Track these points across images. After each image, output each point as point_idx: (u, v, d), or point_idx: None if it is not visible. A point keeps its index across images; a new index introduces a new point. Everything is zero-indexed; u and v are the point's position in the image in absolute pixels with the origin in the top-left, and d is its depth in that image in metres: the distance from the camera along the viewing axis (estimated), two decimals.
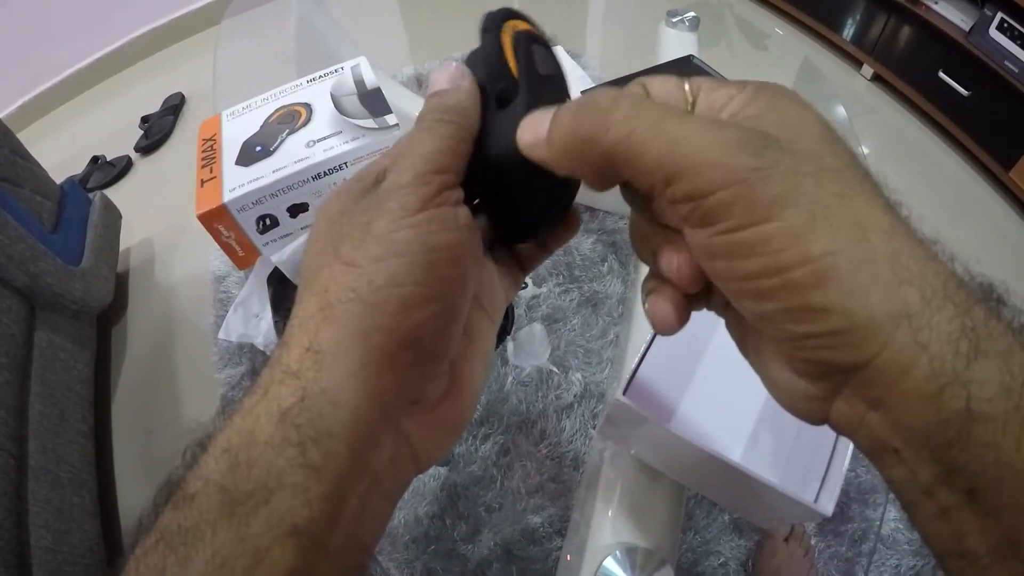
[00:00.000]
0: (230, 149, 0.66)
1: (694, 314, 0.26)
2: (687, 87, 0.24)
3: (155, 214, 1.77)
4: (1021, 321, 0.19)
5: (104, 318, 1.52)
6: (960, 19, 1.74)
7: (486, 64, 0.27)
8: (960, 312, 0.18)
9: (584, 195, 1.04)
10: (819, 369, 0.21)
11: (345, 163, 0.64)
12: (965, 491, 0.18)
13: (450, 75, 0.27)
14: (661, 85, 0.24)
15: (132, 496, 1.31)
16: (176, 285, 1.67)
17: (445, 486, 0.81)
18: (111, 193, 1.71)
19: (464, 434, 0.82)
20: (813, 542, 1.05)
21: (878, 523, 1.07)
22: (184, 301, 1.62)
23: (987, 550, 0.18)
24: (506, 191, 0.27)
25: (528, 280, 0.75)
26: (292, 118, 0.67)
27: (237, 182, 0.62)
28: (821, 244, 0.19)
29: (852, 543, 1.06)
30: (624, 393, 0.48)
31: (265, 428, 0.21)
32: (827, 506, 0.45)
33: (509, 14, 0.29)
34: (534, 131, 0.24)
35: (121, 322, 1.60)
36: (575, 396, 0.84)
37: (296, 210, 0.65)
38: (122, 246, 1.65)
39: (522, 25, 0.29)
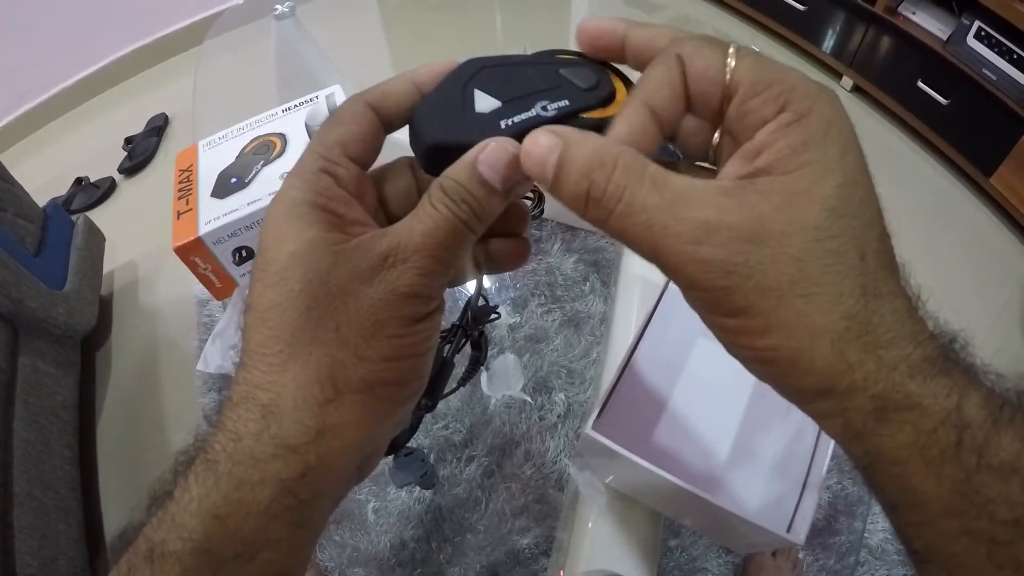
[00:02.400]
0: (206, 180, 0.66)
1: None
2: (728, 78, 0.23)
3: (139, 236, 1.75)
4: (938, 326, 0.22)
5: (88, 342, 1.51)
6: (938, 29, 1.76)
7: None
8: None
9: (566, 215, 1.05)
10: None
11: None
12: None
13: None
14: (703, 63, 0.23)
15: (118, 522, 1.28)
16: (160, 308, 1.66)
17: (430, 509, 0.81)
18: (95, 215, 1.70)
19: (449, 457, 0.82)
20: (801, 556, 1.05)
21: (863, 532, 1.07)
22: (168, 324, 1.62)
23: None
24: None
25: (500, 310, 0.75)
26: (267, 148, 0.67)
27: (212, 215, 0.62)
28: (771, 341, 0.21)
29: (840, 556, 1.06)
30: (594, 425, 0.48)
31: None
32: (800, 534, 0.45)
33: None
34: (541, 154, 0.23)
35: (105, 346, 1.59)
36: (558, 416, 0.84)
37: None
38: (106, 268, 1.64)
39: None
